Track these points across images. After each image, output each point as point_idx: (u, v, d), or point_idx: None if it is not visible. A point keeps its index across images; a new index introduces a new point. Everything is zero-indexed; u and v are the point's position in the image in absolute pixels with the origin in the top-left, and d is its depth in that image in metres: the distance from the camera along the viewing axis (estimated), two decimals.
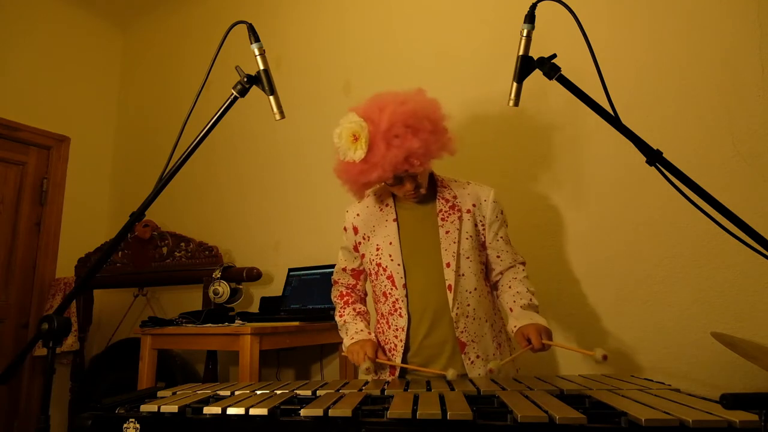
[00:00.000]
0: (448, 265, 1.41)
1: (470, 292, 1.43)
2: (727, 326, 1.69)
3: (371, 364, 1.31)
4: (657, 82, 1.91)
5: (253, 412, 0.92)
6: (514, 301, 1.42)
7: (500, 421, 0.83)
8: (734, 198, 1.71)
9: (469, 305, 1.42)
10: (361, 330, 1.49)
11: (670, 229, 1.83)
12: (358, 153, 1.32)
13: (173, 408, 0.96)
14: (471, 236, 1.45)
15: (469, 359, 1.40)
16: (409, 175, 1.39)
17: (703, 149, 1.81)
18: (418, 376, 1.43)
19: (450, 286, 1.40)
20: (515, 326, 1.34)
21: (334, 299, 1.63)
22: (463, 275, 1.43)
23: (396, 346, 1.44)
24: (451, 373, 1.21)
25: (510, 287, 1.46)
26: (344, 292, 1.61)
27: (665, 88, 1.90)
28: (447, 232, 1.44)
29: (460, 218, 1.46)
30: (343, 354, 1.53)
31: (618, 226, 1.92)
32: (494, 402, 0.95)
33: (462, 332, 1.40)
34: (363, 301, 1.63)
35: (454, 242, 1.43)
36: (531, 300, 1.41)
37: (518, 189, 2.12)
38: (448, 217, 1.46)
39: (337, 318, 1.58)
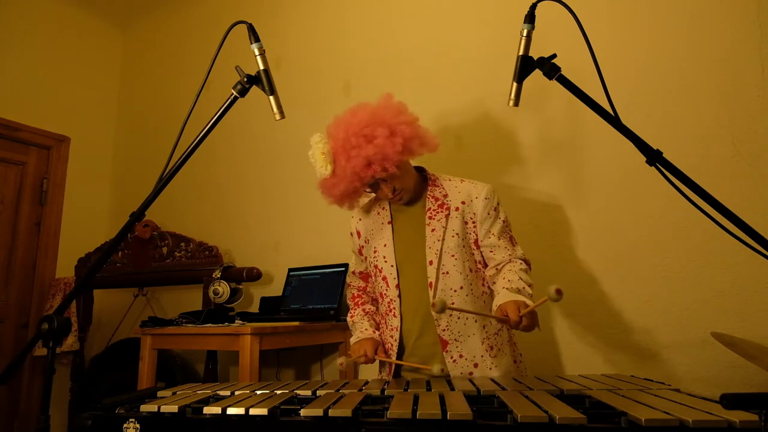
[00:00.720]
0: (431, 263, 1.42)
1: (455, 291, 1.42)
2: (727, 326, 1.69)
3: (344, 360, 1.35)
4: (657, 82, 1.91)
5: (253, 412, 0.92)
6: (503, 287, 1.34)
7: (500, 421, 0.83)
8: (734, 198, 1.71)
9: (453, 304, 1.41)
10: (366, 329, 1.52)
11: (670, 229, 1.83)
12: (328, 168, 1.40)
13: (173, 408, 0.96)
14: (458, 234, 1.44)
15: (452, 358, 1.40)
16: (381, 180, 1.42)
17: (703, 149, 1.81)
18: (417, 375, 1.43)
19: (431, 283, 1.41)
20: (496, 305, 1.27)
21: (347, 301, 1.68)
22: (446, 273, 1.42)
23: (392, 346, 1.45)
24: (436, 369, 1.24)
25: (503, 277, 1.39)
26: (355, 294, 1.65)
27: (665, 88, 1.90)
28: (433, 230, 1.45)
29: (447, 216, 1.46)
30: (338, 366, 1.53)
31: (618, 226, 1.92)
32: (494, 402, 0.95)
33: (444, 330, 1.40)
34: (374, 301, 1.64)
35: (439, 240, 1.44)
36: (523, 288, 1.31)
37: (518, 189, 2.12)
38: (435, 215, 1.47)
39: (348, 318, 1.62)
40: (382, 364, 1.54)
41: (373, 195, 1.56)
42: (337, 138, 1.40)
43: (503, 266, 1.44)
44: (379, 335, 1.52)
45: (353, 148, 1.36)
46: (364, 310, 1.60)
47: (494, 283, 1.46)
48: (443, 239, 1.44)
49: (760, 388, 1.63)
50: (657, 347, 1.80)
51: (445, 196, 1.50)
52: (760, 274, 1.68)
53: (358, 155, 1.35)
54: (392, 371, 1.48)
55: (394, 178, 1.42)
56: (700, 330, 1.73)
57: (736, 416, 0.73)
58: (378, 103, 1.45)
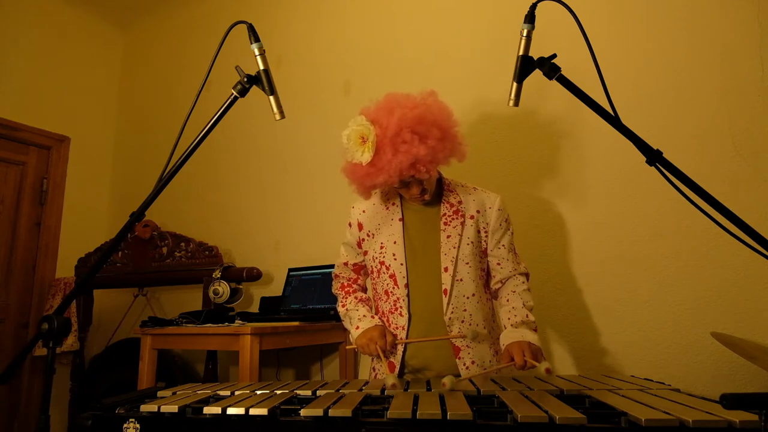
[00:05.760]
0: (445, 269, 1.42)
1: (467, 298, 1.43)
2: (727, 326, 1.69)
3: (395, 380, 1.15)
4: (657, 82, 1.91)
5: (253, 412, 0.92)
6: (508, 318, 1.41)
7: (500, 421, 0.83)
8: (734, 198, 1.71)
9: (465, 310, 1.42)
10: (364, 316, 1.48)
11: (670, 229, 1.83)
12: (365, 156, 1.31)
13: (173, 408, 0.96)
14: (472, 242, 1.45)
15: (464, 364, 1.40)
16: (415, 180, 1.39)
17: (703, 149, 1.81)
18: (421, 375, 1.43)
19: (446, 290, 1.41)
20: (503, 344, 1.35)
21: (335, 291, 1.63)
22: (460, 280, 1.43)
23: (395, 345, 1.44)
24: (470, 333, 1.25)
25: (508, 301, 1.46)
26: (345, 284, 1.61)
27: (665, 88, 1.90)
28: (448, 237, 1.45)
29: (462, 224, 1.46)
30: (347, 347, 1.51)
31: (618, 226, 1.92)
32: (494, 402, 0.95)
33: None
34: (364, 292, 1.63)
35: (454, 247, 1.43)
36: (527, 316, 1.40)
37: (518, 189, 2.12)
38: (450, 221, 1.47)
39: (339, 308, 1.58)
40: (392, 348, 1.48)
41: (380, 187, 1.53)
42: (386, 127, 1.30)
43: (507, 282, 1.49)
44: (379, 318, 1.49)
45: (404, 143, 1.29)
46: (356, 297, 1.55)
47: (496, 296, 1.52)
48: (459, 246, 1.44)
49: (760, 388, 1.63)
50: (657, 347, 1.80)
51: (460, 202, 1.49)
52: (760, 274, 1.68)
53: (407, 152, 1.28)
54: (395, 370, 1.43)
55: (429, 179, 1.40)
56: (700, 330, 1.73)
57: (736, 416, 0.73)
58: (424, 98, 1.40)
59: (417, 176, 1.35)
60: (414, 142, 1.29)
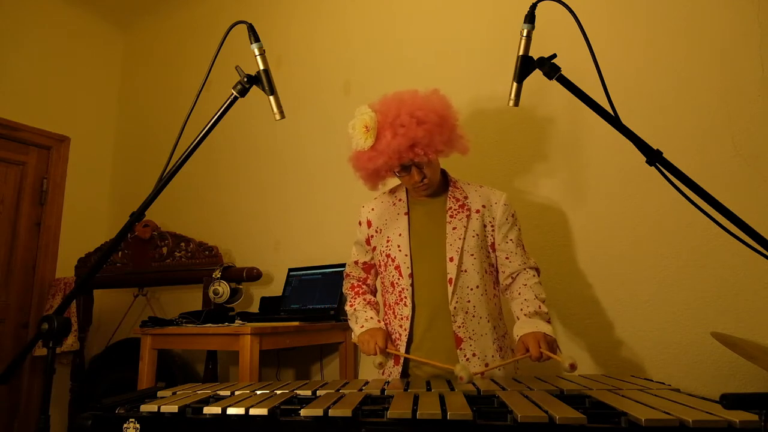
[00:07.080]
0: (451, 259, 1.44)
1: (472, 289, 1.44)
2: (727, 326, 1.69)
3: (383, 359, 1.30)
4: (657, 82, 1.91)
5: (253, 412, 0.92)
6: (521, 309, 1.41)
7: (500, 421, 0.83)
8: (734, 198, 1.70)
9: (469, 302, 1.43)
10: (371, 318, 1.50)
11: (670, 229, 1.83)
12: (368, 141, 1.39)
13: (173, 408, 0.96)
14: (477, 235, 1.47)
15: (465, 356, 1.41)
16: (415, 165, 1.43)
17: (703, 149, 1.81)
18: (422, 372, 1.44)
19: (450, 279, 1.42)
20: (517, 335, 1.35)
21: (345, 291, 1.67)
22: (465, 271, 1.44)
23: (400, 335, 1.46)
24: (458, 369, 1.14)
25: (519, 294, 1.46)
26: (355, 284, 1.64)
27: (665, 88, 1.90)
28: (454, 229, 1.47)
29: (468, 216, 1.49)
30: (353, 341, 1.54)
31: (618, 226, 1.92)
32: (494, 402, 0.95)
33: (459, 327, 1.41)
34: (373, 294, 1.65)
35: (460, 238, 1.45)
36: (539, 308, 1.40)
37: (518, 189, 2.12)
38: (456, 214, 1.49)
39: (347, 308, 1.60)
40: (387, 355, 1.52)
41: (389, 187, 1.58)
42: (387, 114, 1.39)
43: (518, 276, 1.49)
44: (385, 326, 1.52)
45: (402, 126, 1.36)
46: (365, 299, 1.58)
47: (508, 291, 1.52)
48: (464, 238, 1.46)
49: (760, 388, 1.63)
50: (657, 347, 1.80)
51: (466, 197, 1.53)
52: (760, 274, 1.67)
53: (405, 134, 1.35)
54: (400, 362, 1.46)
55: (429, 165, 1.45)
56: (700, 330, 1.73)
57: (736, 416, 0.73)
58: (426, 92, 1.47)
59: (415, 159, 1.40)
60: (412, 125, 1.36)
